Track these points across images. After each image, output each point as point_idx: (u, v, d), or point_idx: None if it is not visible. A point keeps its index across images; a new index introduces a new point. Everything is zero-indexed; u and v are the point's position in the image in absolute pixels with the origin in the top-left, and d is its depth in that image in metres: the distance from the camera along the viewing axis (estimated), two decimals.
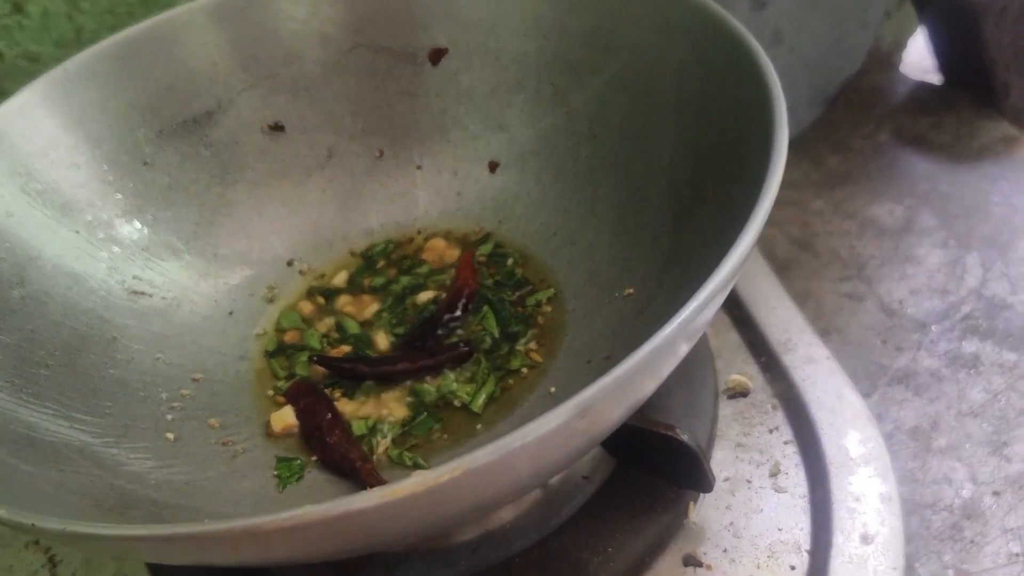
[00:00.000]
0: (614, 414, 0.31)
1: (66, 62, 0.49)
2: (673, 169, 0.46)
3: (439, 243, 0.54)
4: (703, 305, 0.29)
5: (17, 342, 0.42)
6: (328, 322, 0.51)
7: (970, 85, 0.81)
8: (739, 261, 0.30)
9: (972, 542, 0.48)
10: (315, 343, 0.50)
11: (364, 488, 0.41)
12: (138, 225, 0.50)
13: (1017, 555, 0.45)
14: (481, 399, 0.45)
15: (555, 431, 0.27)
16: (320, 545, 0.28)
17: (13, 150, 0.46)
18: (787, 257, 0.68)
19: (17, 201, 0.46)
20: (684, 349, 0.33)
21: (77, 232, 0.48)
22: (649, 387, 0.33)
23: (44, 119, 0.48)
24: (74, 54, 0.63)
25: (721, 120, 0.42)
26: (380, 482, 0.40)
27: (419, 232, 0.56)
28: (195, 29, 0.52)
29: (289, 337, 0.51)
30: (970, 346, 0.58)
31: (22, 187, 0.46)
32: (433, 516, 0.29)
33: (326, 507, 0.25)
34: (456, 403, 0.45)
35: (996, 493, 0.49)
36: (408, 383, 0.47)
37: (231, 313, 0.51)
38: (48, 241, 0.46)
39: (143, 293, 0.49)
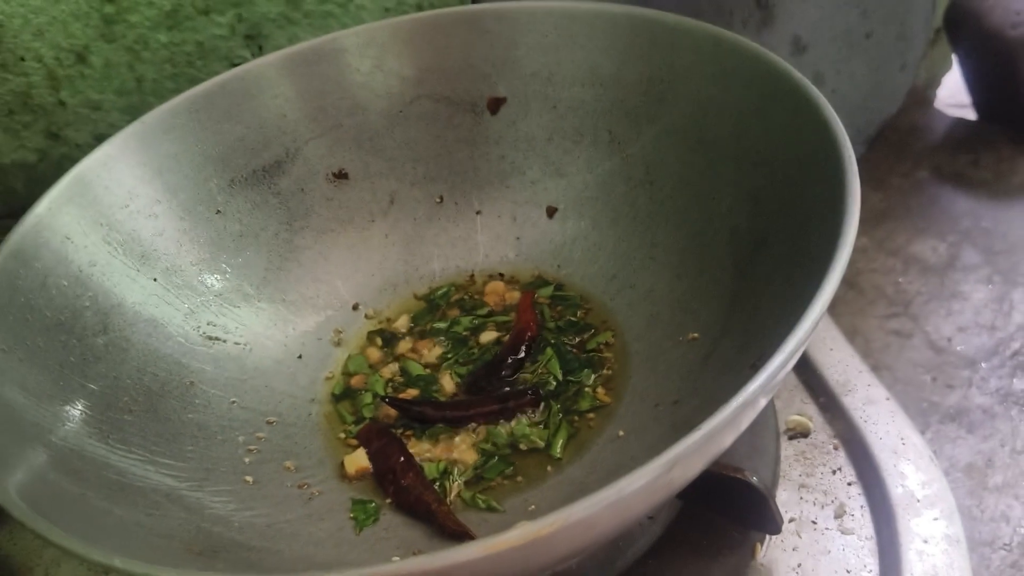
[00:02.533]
0: (696, 467, 0.32)
1: (144, 116, 0.51)
2: (733, 217, 0.47)
3: (499, 286, 0.56)
4: (783, 364, 0.30)
5: (102, 388, 0.44)
6: (393, 367, 0.53)
7: (1007, 122, 0.82)
8: (818, 316, 0.31)
9: None
10: (379, 388, 0.51)
11: (440, 530, 0.42)
12: (212, 272, 0.52)
13: None
14: (560, 443, 0.46)
15: (645, 486, 0.28)
16: None
17: (96, 201, 0.48)
18: (834, 295, 0.69)
19: (100, 251, 0.47)
20: (762, 404, 0.34)
21: (155, 280, 0.49)
22: (729, 441, 0.34)
23: (124, 171, 0.50)
24: (135, 101, 0.66)
25: (784, 172, 0.43)
26: (457, 524, 0.41)
27: (479, 274, 0.57)
28: (265, 83, 0.55)
29: (356, 381, 0.52)
30: (1021, 383, 0.59)
31: (104, 237, 0.48)
32: (525, 565, 0.30)
33: (432, 559, 0.26)
34: (524, 447, 0.46)
35: None
36: (478, 426, 0.48)
37: (300, 357, 0.53)
38: (129, 289, 0.48)
39: (218, 339, 0.50)
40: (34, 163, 0.66)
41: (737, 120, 0.47)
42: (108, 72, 0.64)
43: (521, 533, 0.27)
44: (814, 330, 0.32)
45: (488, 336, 0.53)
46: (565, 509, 0.27)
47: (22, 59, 0.62)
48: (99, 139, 0.66)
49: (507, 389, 0.49)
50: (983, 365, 0.61)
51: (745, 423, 0.32)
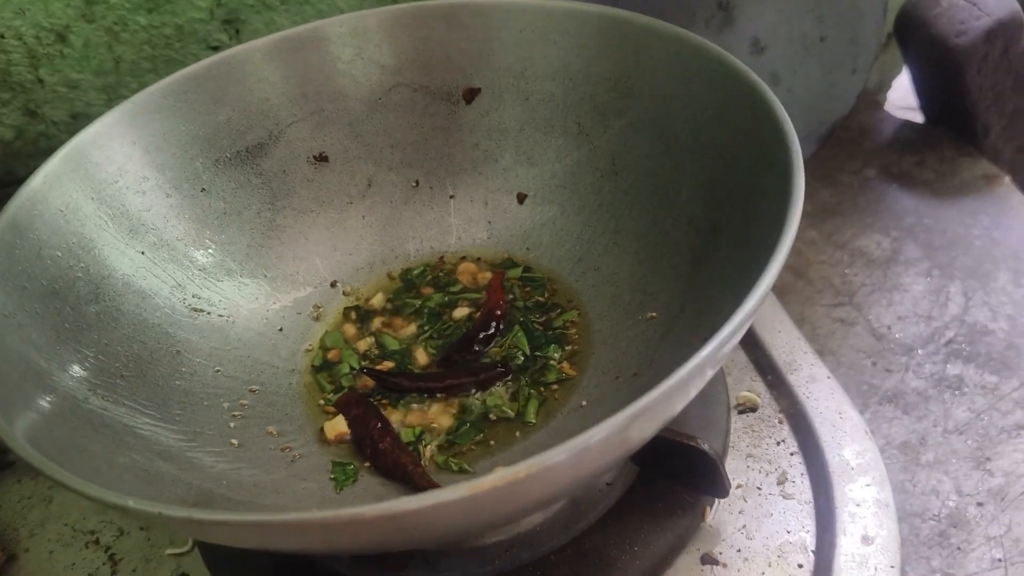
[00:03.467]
0: (651, 427, 0.36)
1: (134, 96, 0.53)
2: (691, 205, 0.50)
3: (471, 267, 0.59)
4: (731, 335, 0.33)
5: (96, 354, 0.46)
6: (369, 340, 0.55)
7: (952, 125, 0.86)
8: (763, 295, 0.35)
9: (958, 548, 0.52)
10: (354, 363, 0.54)
11: (416, 490, 0.45)
12: (197, 247, 0.54)
13: (1000, 560, 0.49)
14: (532, 410, 0.49)
15: (608, 438, 0.31)
16: (397, 536, 0.32)
17: (88, 177, 0.50)
18: (784, 284, 0.72)
19: (91, 224, 0.49)
20: (710, 373, 0.37)
21: (143, 253, 0.51)
22: (680, 405, 0.37)
23: (115, 148, 0.52)
24: (112, 81, 0.67)
25: (737, 161, 0.47)
26: (432, 484, 0.44)
27: (452, 255, 0.60)
28: (251, 68, 0.57)
29: (332, 355, 0.55)
30: (954, 368, 0.63)
31: (95, 211, 0.50)
32: (501, 510, 0.33)
33: (422, 497, 0.29)
34: (495, 416, 0.49)
35: (980, 504, 0.53)
36: (453, 396, 0.51)
37: (281, 329, 0.55)
38: (118, 261, 0.50)
39: (202, 311, 0.53)
40: (11, 140, 0.67)
41: (698, 116, 0.50)
42: (87, 52, 0.65)
43: (501, 475, 0.29)
44: (759, 307, 0.35)
45: (461, 312, 0.56)
46: (540, 455, 0.30)
47: (2, 36, 0.62)
48: (76, 117, 0.68)
49: (479, 363, 0.52)
50: (919, 352, 0.65)
51: (694, 390, 0.36)
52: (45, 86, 0.66)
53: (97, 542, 0.52)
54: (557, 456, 0.30)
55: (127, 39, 0.66)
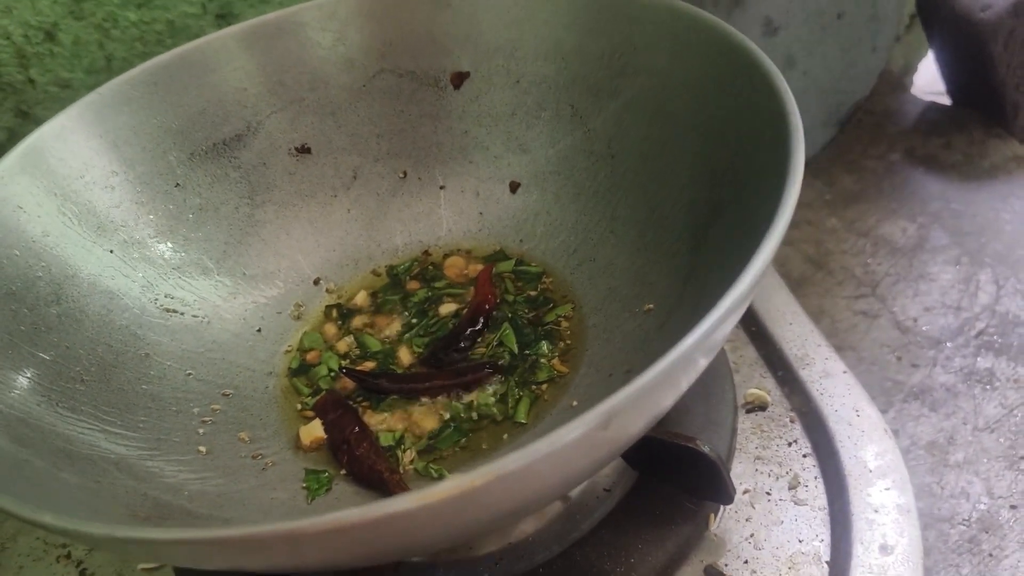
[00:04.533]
0: (636, 424, 0.32)
1: (101, 87, 0.51)
2: (691, 188, 0.47)
3: (459, 260, 0.56)
4: (720, 320, 0.30)
5: (54, 358, 0.43)
6: (349, 340, 0.52)
7: (980, 106, 0.83)
8: (755, 277, 0.31)
9: (990, 555, 0.48)
10: (333, 364, 0.51)
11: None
12: (170, 245, 0.52)
13: None
14: (523, 410, 0.46)
15: (580, 438, 0.27)
16: (354, 550, 0.29)
17: (50, 172, 0.48)
18: (801, 275, 0.69)
19: (54, 221, 0.47)
20: (702, 363, 0.34)
21: (112, 252, 0.49)
22: (669, 399, 0.34)
23: (79, 142, 0.49)
24: (104, 80, 0.65)
25: (738, 140, 0.43)
26: (406, 491, 0.41)
27: (441, 248, 0.57)
28: (226, 55, 0.54)
29: (311, 357, 0.52)
30: (985, 362, 0.59)
31: (59, 208, 0.48)
32: (465, 521, 0.30)
33: (364, 510, 0.26)
34: (475, 416, 0.46)
35: (1013, 507, 0.50)
36: (437, 398, 0.48)
37: (259, 330, 0.52)
38: (84, 260, 0.48)
39: (175, 311, 0.50)
40: (3, 142, 0.65)
41: (696, 92, 0.47)
42: (77, 50, 0.64)
43: (455, 483, 0.26)
44: (754, 289, 0.32)
45: (447, 308, 0.53)
46: (499, 460, 0.27)
47: None
48: None
49: (464, 363, 0.49)
50: (948, 345, 0.61)
51: (685, 382, 0.32)
52: (36, 86, 0.65)
53: (68, 556, 0.50)
54: (516, 462, 0.26)
55: (118, 36, 0.65)
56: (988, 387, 0.57)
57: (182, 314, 0.50)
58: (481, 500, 0.28)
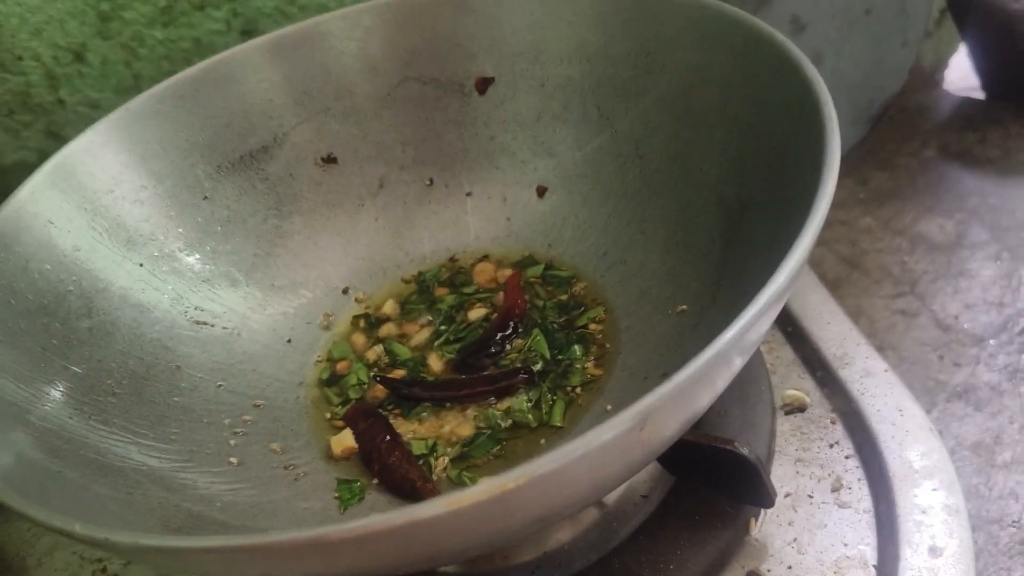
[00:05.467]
0: (671, 426, 0.31)
1: (129, 102, 0.51)
2: (721, 186, 0.46)
3: (488, 266, 0.55)
4: (757, 317, 0.29)
5: (86, 371, 0.43)
6: (378, 349, 0.52)
7: (1015, 99, 0.81)
8: (792, 273, 0.30)
9: None
10: (363, 375, 0.50)
11: None
12: (199, 257, 0.52)
13: None
14: (558, 413, 0.45)
15: (615, 440, 0.27)
16: (385, 557, 0.28)
17: (80, 187, 0.48)
18: (837, 276, 0.68)
19: (84, 236, 0.47)
20: (739, 363, 0.33)
21: (142, 265, 0.49)
22: (705, 400, 0.33)
23: (109, 157, 0.50)
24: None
25: (768, 135, 0.42)
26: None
27: (468, 255, 0.57)
28: (251, 68, 0.54)
29: (341, 367, 0.51)
30: None
31: (88, 222, 0.48)
32: (497, 526, 0.29)
33: (393, 516, 0.25)
34: (507, 423, 0.46)
35: None
36: (470, 405, 0.47)
37: (289, 341, 0.52)
38: (114, 274, 0.48)
39: (205, 323, 0.50)
40: (35, 163, 0.65)
41: (723, 86, 0.46)
42: (105, 70, 0.64)
43: (486, 488, 0.26)
44: (792, 285, 0.31)
45: (476, 313, 0.53)
46: (531, 463, 0.26)
47: (20, 59, 0.62)
48: None
49: (497, 369, 0.49)
50: (991, 342, 0.60)
51: (721, 381, 0.32)
52: (66, 107, 0.65)
53: (104, 571, 0.49)
54: (548, 465, 0.26)
55: (145, 55, 0.65)
56: None
57: (212, 326, 0.50)
58: (513, 504, 0.27)
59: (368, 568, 0.30)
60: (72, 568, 0.50)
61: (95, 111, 0.65)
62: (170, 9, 0.63)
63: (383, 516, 0.25)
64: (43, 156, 0.65)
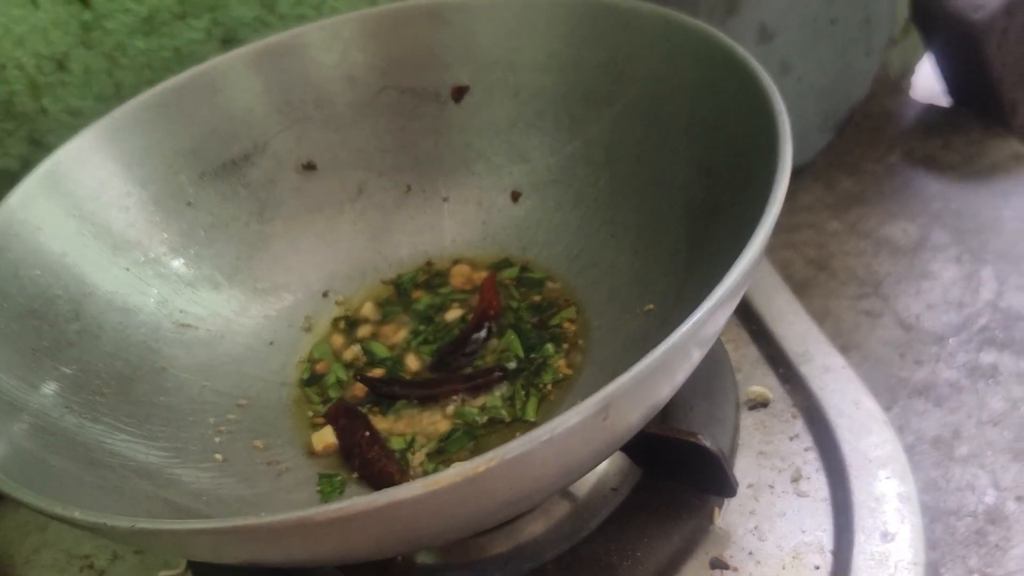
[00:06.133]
0: (633, 414, 0.33)
1: (114, 111, 0.53)
2: (687, 189, 0.48)
3: (465, 268, 0.57)
4: (710, 313, 0.31)
5: (75, 372, 0.45)
6: (355, 350, 0.53)
7: (978, 106, 0.83)
8: (745, 269, 0.32)
9: (997, 546, 0.49)
10: (342, 375, 0.52)
11: None
12: (183, 262, 0.53)
13: None
14: (531, 408, 0.47)
15: (579, 425, 0.29)
16: (366, 538, 0.30)
17: (68, 194, 0.49)
18: (805, 278, 0.69)
19: (72, 241, 0.49)
20: (697, 355, 0.35)
21: (127, 269, 0.50)
22: (665, 390, 0.35)
23: (95, 164, 0.51)
24: (114, 107, 0.66)
25: (731, 141, 0.44)
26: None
27: (445, 258, 0.58)
28: (233, 77, 0.56)
29: (321, 367, 0.53)
30: (988, 357, 0.59)
31: (76, 228, 0.49)
32: (471, 508, 0.31)
33: (373, 497, 0.27)
34: (484, 419, 0.48)
35: (1019, 498, 0.50)
36: (447, 403, 0.49)
37: (271, 343, 0.54)
38: (101, 278, 0.49)
39: (189, 325, 0.51)
40: (17, 170, 0.66)
41: (688, 96, 0.48)
42: (88, 79, 0.65)
43: (460, 470, 0.28)
44: (745, 282, 0.33)
45: (453, 314, 0.54)
46: (502, 447, 0.28)
47: (3, 67, 0.62)
48: None
49: (473, 368, 0.50)
50: (951, 341, 0.62)
51: (680, 373, 0.33)
52: (48, 115, 0.66)
53: (91, 567, 0.51)
54: (518, 448, 0.28)
55: (126, 64, 0.66)
56: (992, 381, 0.58)
57: (196, 328, 0.52)
58: (486, 486, 0.29)
59: (349, 550, 0.32)
60: (59, 565, 0.51)
61: (77, 119, 0.66)
62: (151, 19, 0.64)
63: (365, 498, 0.27)
64: (25, 163, 0.66)
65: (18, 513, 0.55)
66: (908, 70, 0.96)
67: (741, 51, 0.43)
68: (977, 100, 0.83)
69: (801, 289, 0.68)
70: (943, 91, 0.88)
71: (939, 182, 0.77)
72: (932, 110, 0.87)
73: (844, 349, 0.60)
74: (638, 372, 0.29)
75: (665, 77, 0.49)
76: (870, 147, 0.83)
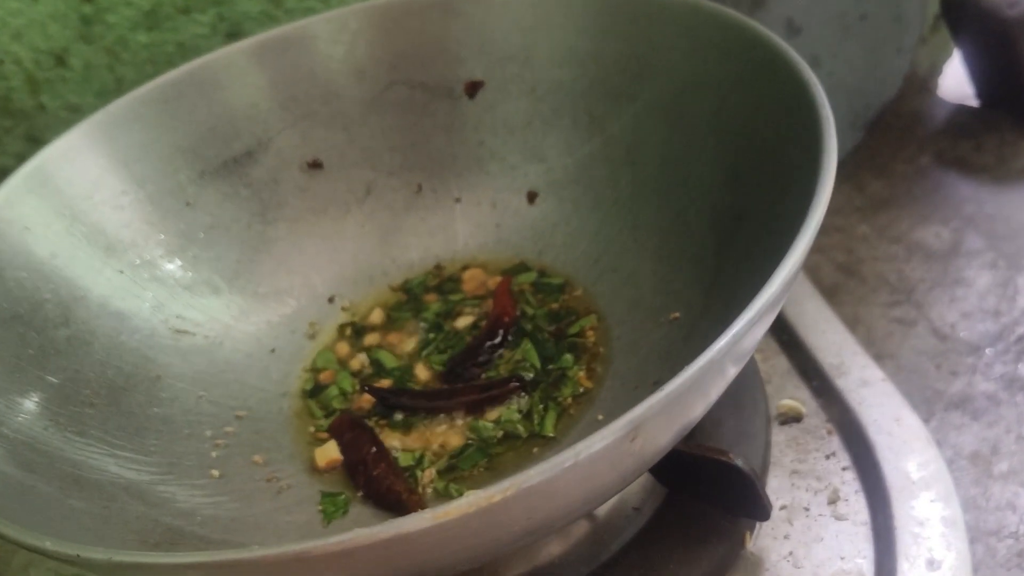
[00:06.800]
0: (663, 436, 0.31)
1: (109, 105, 0.51)
2: (714, 192, 0.46)
3: (478, 272, 0.55)
4: (750, 325, 0.29)
5: (62, 381, 0.42)
6: (362, 358, 0.51)
7: (1009, 106, 0.81)
8: (786, 280, 0.30)
9: None
10: (347, 386, 0.50)
11: None
12: (181, 264, 0.51)
13: None
14: (550, 423, 0.45)
15: (605, 450, 0.26)
16: (369, 572, 0.28)
17: (58, 192, 0.47)
18: (833, 284, 0.67)
19: (62, 242, 0.46)
20: (732, 372, 0.32)
21: (122, 272, 0.48)
22: (698, 410, 0.32)
23: (88, 161, 0.49)
24: None
25: (762, 140, 0.42)
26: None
27: (456, 262, 0.56)
28: (235, 71, 0.54)
29: (324, 377, 0.51)
30: None
31: (67, 228, 0.47)
32: (484, 540, 0.28)
33: (377, 530, 0.25)
34: (500, 433, 0.45)
35: None
36: (459, 415, 0.46)
37: (273, 350, 0.51)
38: (93, 281, 0.47)
39: (186, 332, 0.49)
40: (14, 168, 0.65)
41: (717, 92, 0.45)
42: (88, 74, 0.63)
43: (472, 500, 0.25)
44: (785, 293, 0.30)
45: (464, 321, 0.52)
46: (520, 475, 0.25)
47: (1, 62, 0.61)
48: None
49: (487, 377, 0.48)
50: (987, 351, 0.59)
51: (714, 390, 0.31)
52: (47, 112, 0.65)
53: None
54: (537, 477, 0.25)
55: (128, 59, 0.64)
56: None
57: (193, 335, 0.49)
58: (501, 517, 0.26)
59: None
60: None
61: (76, 115, 0.64)
62: (154, 13, 0.62)
63: (367, 530, 0.25)
64: (22, 161, 0.64)
65: None
66: (936, 69, 0.94)
67: (778, 41, 0.40)
68: (1009, 100, 0.80)
69: (830, 296, 0.65)
70: (973, 91, 0.86)
71: (971, 185, 0.75)
72: (962, 110, 0.84)
73: (877, 359, 0.58)
74: (670, 391, 0.27)
75: (691, 71, 0.47)
76: (900, 148, 0.80)
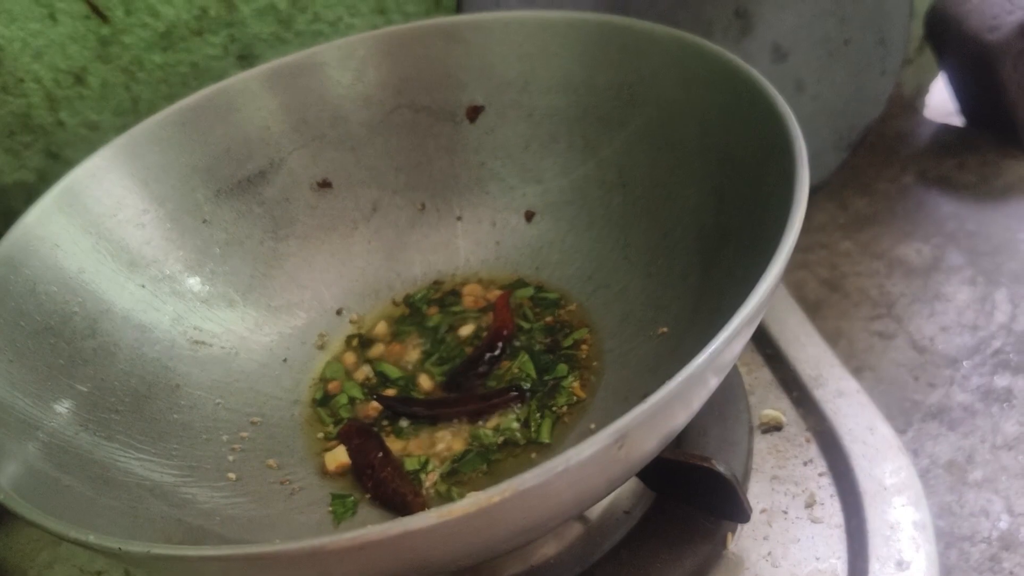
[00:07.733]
0: (649, 443, 0.33)
1: (132, 129, 0.53)
2: (699, 212, 0.48)
3: (476, 288, 0.57)
4: (728, 340, 0.31)
5: (90, 389, 0.45)
6: (366, 370, 0.54)
7: (992, 126, 0.83)
8: (763, 297, 0.32)
9: (1011, 573, 0.48)
10: (355, 392, 0.52)
11: None
12: (198, 279, 0.53)
13: None
14: (546, 430, 0.47)
15: (595, 456, 0.29)
16: (377, 566, 0.30)
17: (85, 211, 0.50)
18: (817, 298, 0.69)
19: (89, 258, 0.49)
20: (714, 382, 0.35)
21: (143, 286, 0.51)
22: (681, 418, 0.35)
23: (113, 181, 0.51)
24: (131, 121, 0.67)
25: (744, 164, 0.44)
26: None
27: (458, 277, 0.59)
28: (250, 96, 0.56)
29: (332, 387, 0.53)
30: (1002, 380, 0.59)
31: (93, 245, 0.49)
32: (484, 537, 0.31)
33: (386, 527, 0.27)
34: (501, 442, 0.47)
35: None
36: (462, 423, 0.49)
37: (285, 360, 0.54)
38: (117, 295, 0.49)
39: (204, 343, 0.52)
40: (34, 183, 0.67)
41: (702, 120, 0.48)
42: (105, 92, 0.66)
43: (473, 500, 0.28)
44: (763, 308, 0.33)
45: (465, 330, 0.54)
46: (516, 478, 0.28)
47: (22, 81, 0.63)
48: None
49: (487, 387, 0.50)
50: (965, 363, 0.61)
51: (696, 401, 0.33)
52: (66, 128, 0.67)
53: None
54: (532, 480, 0.28)
55: (144, 79, 0.67)
56: (1006, 405, 0.57)
57: (210, 346, 0.52)
58: (499, 516, 0.29)
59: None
60: None
61: (94, 132, 0.67)
62: (169, 34, 0.65)
63: (378, 527, 0.27)
64: (42, 176, 0.67)
65: (31, 528, 0.55)
66: (922, 90, 0.96)
67: (756, 75, 0.43)
68: (991, 121, 0.83)
69: (814, 310, 0.68)
70: (957, 111, 0.88)
71: (953, 203, 0.77)
72: (946, 130, 0.87)
73: (857, 371, 0.60)
74: (655, 402, 0.29)
75: (678, 100, 0.50)
76: (884, 167, 0.83)
